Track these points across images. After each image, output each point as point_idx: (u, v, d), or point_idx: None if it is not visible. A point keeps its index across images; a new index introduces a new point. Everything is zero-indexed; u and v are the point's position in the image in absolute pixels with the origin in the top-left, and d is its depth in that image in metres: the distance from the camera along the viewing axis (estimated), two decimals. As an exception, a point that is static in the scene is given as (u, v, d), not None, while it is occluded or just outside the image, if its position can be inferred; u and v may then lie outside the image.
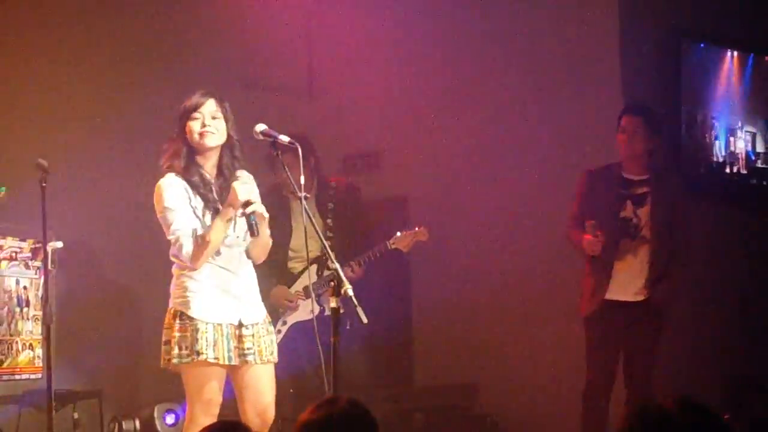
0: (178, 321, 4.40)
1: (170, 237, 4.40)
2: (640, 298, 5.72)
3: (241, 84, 7.26)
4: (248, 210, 4.35)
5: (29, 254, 5.96)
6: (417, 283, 7.45)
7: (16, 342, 5.87)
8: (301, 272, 5.92)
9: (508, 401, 6.86)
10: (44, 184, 4.60)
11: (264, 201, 5.94)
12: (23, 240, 5.90)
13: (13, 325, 5.89)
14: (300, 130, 5.56)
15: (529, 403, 6.79)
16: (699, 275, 6.50)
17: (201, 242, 4.35)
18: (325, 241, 4.44)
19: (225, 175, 4.48)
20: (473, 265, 7.07)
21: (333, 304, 4.11)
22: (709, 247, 6.78)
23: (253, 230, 4.35)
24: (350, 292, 4.09)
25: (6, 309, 5.90)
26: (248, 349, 4.45)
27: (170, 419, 6.21)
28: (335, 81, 7.71)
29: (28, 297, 5.94)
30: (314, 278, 5.79)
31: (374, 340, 6.07)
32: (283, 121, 4.71)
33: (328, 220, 5.97)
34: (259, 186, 6.22)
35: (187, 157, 4.45)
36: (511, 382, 6.88)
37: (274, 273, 5.91)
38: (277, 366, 5.87)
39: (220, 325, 4.41)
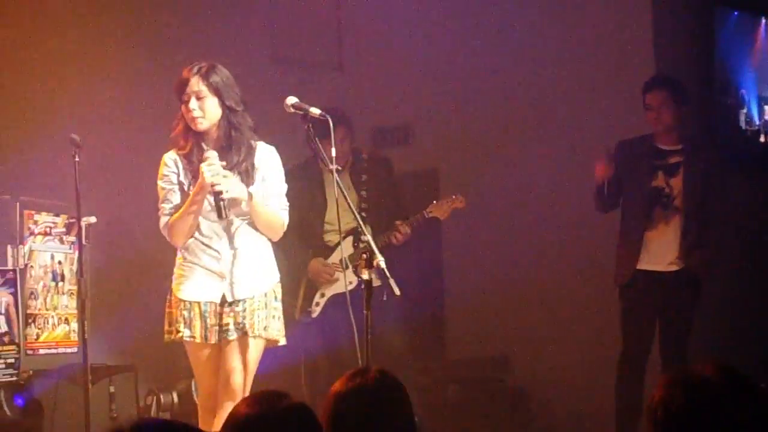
0: (169, 298, 4.47)
1: (159, 212, 4.46)
2: (675, 268, 5.66)
3: (272, 58, 7.26)
4: (217, 190, 4.26)
5: (63, 229, 5.94)
6: (449, 256, 7.43)
7: (52, 316, 5.86)
8: (337, 244, 5.86)
9: (540, 373, 6.84)
10: (77, 159, 4.57)
11: (299, 174, 6.07)
12: (57, 215, 5.87)
13: (48, 300, 5.89)
14: (332, 103, 5.52)
15: (561, 374, 6.76)
16: (734, 244, 6.43)
17: (173, 222, 4.37)
18: (357, 214, 4.43)
19: (226, 146, 4.39)
20: (505, 238, 7.04)
21: (365, 276, 4.14)
22: (744, 216, 6.70)
23: (220, 213, 4.28)
24: (382, 264, 4.11)
25: (42, 284, 5.90)
26: (227, 324, 4.37)
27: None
28: (366, 54, 7.68)
29: (63, 272, 5.93)
30: (350, 250, 5.75)
31: (408, 313, 6.04)
32: (315, 95, 4.67)
33: (362, 193, 5.93)
34: (294, 159, 6.27)
35: (186, 134, 4.42)
36: (543, 354, 6.85)
37: (310, 245, 5.95)
38: (313, 338, 5.98)
39: (198, 303, 4.39)
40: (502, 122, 7.14)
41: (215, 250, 4.41)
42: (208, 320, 4.38)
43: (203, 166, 4.27)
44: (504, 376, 6.95)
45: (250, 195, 4.37)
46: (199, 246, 4.42)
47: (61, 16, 6.26)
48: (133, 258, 6.30)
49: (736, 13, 7.04)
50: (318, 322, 5.92)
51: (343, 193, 4.41)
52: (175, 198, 4.41)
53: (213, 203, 4.32)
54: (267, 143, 4.55)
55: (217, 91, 4.36)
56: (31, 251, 5.83)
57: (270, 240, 4.56)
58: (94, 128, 5.64)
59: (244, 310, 4.39)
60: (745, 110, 7.12)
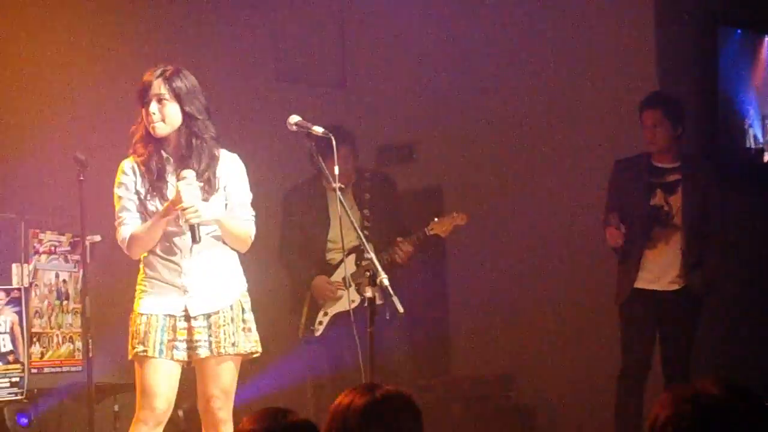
0: (131, 316, 4.28)
1: (115, 221, 4.26)
2: (675, 286, 5.66)
3: (276, 75, 7.26)
4: (189, 217, 4.09)
5: (68, 248, 5.98)
6: (453, 273, 7.42)
7: (57, 335, 5.90)
8: (340, 263, 5.88)
9: (545, 390, 6.84)
10: (82, 178, 4.58)
11: (302, 192, 6.07)
12: (62, 234, 5.93)
13: (53, 318, 5.92)
14: (335, 121, 5.54)
15: (566, 393, 6.76)
16: (735, 263, 6.44)
17: (136, 234, 4.19)
18: (361, 232, 4.42)
19: (183, 156, 4.19)
20: (509, 255, 7.04)
21: (368, 294, 4.13)
22: (748, 234, 6.71)
23: (195, 237, 4.12)
24: (386, 282, 4.08)
25: (46, 302, 5.93)
26: (198, 341, 4.18)
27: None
28: (369, 71, 7.71)
29: (67, 290, 5.96)
30: (353, 268, 5.74)
31: (411, 331, 6.05)
32: (318, 113, 4.68)
33: (365, 211, 5.94)
34: (297, 177, 6.28)
35: (146, 141, 4.22)
36: (547, 373, 6.85)
37: (313, 263, 5.95)
38: (318, 356, 5.96)
39: (156, 316, 4.19)
40: (506, 139, 7.15)
41: (176, 264, 4.23)
42: (165, 335, 4.18)
43: (181, 185, 4.10)
44: (509, 394, 6.93)
45: (218, 219, 4.22)
46: (160, 260, 4.24)
47: (67, 38, 6.30)
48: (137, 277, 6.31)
49: (739, 31, 7.06)
50: (322, 341, 5.92)
51: (346, 211, 4.38)
52: (132, 207, 4.22)
53: (183, 224, 4.17)
54: (234, 152, 4.40)
55: (178, 97, 4.18)
56: (36, 270, 5.87)
57: (238, 252, 4.38)
58: (98, 147, 5.65)
59: (209, 326, 4.20)
60: (749, 128, 7.13)
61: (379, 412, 2.62)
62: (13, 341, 5.65)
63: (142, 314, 4.21)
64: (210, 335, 4.19)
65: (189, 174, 4.13)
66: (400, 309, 4.12)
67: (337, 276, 5.91)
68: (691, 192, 5.68)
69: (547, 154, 6.94)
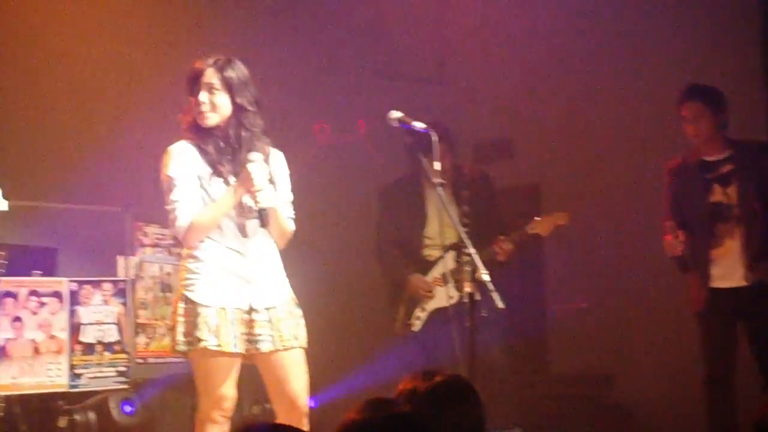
0: (182, 305, 4.04)
1: (167, 207, 4.05)
2: (746, 282, 5.41)
3: (374, 72, 7.29)
4: (261, 199, 4.00)
5: (172, 241, 6.09)
6: (551, 270, 7.38)
7: (161, 326, 6.03)
8: (438, 259, 5.88)
9: (644, 391, 6.75)
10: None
11: (399, 188, 6.08)
12: (166, 227, 6.02)
13: (157, 310, 6.05)
14: (433, 118, 5.55)
15: (665, 393, 6.67)
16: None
17: (198, 220, 4.00)
18: (461, 228, 4.40)
19: (235, 149, 4.05)
20: (607, 253, 6.98)
21: (468, 290, 4.13)
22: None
23: (263, 220, 4.03)
24: (486, 278, 4.05)
25: (151, 294, 6.07)
26: (260, 335, 4.03)
27: (310, 403, 6.29)
28: (466, 68, 7.71)
29: (170, 283, 6.09)
30: (452, 265, 5.71)
31: (509, 327, 6.02)
32: (416, 109, 4.68)
33: (464, 207, 5.90)
34: (392, 173, 6.30)
35: (194, 130, 4.08)
36: (647, 372, 6.77)
37: (410, 260, 5.96)
38: (415, 352, 5.97)
39: (225, 309, 4.01)
40: (605, 136, 7.09)
41: (239, 253, 4.07)
42: (237, 328, 4.02)
43: (251, 167, 3.97)
44: (608, 393, 6.88)
45: (272, 210, 4.11)
46: (221, 247, 4.06)
47: (165, 33, 6.43)
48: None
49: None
50: (418, 337, 5.93)
51: (446, 207, 4.39)
52: (192, 191, 4.02)
53: (246, 202, 4.05)
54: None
55: (229, 87, 4.05)
56: (141, 262, 5.99)
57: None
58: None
59: (270, 320, 4.07)
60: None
61: (440, 396, 2.62)
62: (120, 332, 5.79)
63: (207, 306, 4.01)
64: (271, 329, 4.07)
65: (257, 156, 4.02)
66: (500, 304, 4.08)
67: (435, 272, 5.92)
68: (747, 180, 5.47)
69: (649, 150, 6.85)
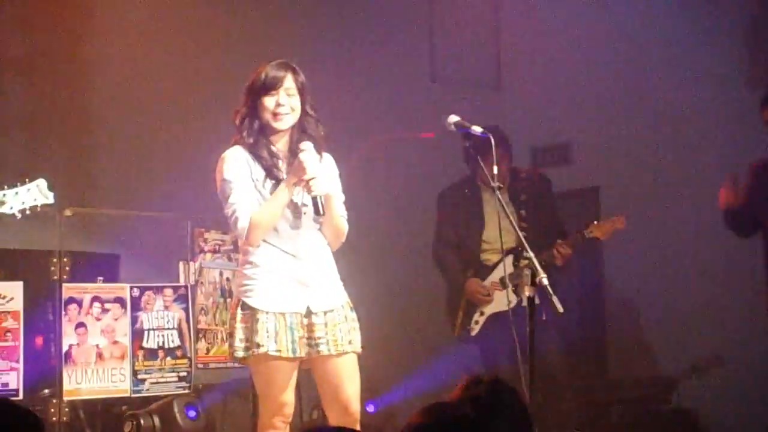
0: (239, 311, 4.05)
1: (227, 210, 4.06)
2: None
3: (431, 77, 7.28)
4: (314, 187, 3.97)
5: (231, 247, 6.13)
6: (610, 274, 7.33)
7: (221, 331, 6.08)
8: (497, 263, 5.87)
9: (707, 396, 6.69)
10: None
11: (456, 192, 6.10)
12: (225, 233, 6.08)
13: (218, 315, 6.09)
14: (489, 122, 5.55)
15: (728, 397, 6.60)
16: None
17: (256, 217, 4.00)
18: (519, 232, 4.40)
19: (293, 152, 4.08)
20: (667, 256, 6.93)
21: (528, 294, 4.06)
22: None
23: (318, 209, 4.00)
24: (545, 281, 4.01)
25: (211, 300, 6.10)
26: (320, 338, 4.03)
27: (370, 408, 6.36)
28: (524, 72, 7.70)
29: (231, 288, 6.10)
30: (510, 269, 5.70)
31: (569, 332, 6.01)
32: (473, 114, 4.68)
33: (522, 211, 5.92)
34: (448, 178, 6.31)
35: (257, 133, 4.09)
36: (710, 376, 6.70)
37: (467, 264, 5.96)
38: (473, 356, 5.97)
39: (283, 314, 4.02)
40: (663, 139, 7.04)
41: (294, 256, 4.07)
42: (295, 332, 4.02)
43: (303, 156, 3.98)
44: (669, 397, 6.82)
45: (332, 196, 4.12)
46: (277, 251, 4.06)
47: (225, 38, 6.47)
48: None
49: None
50: (477, 341, 5.93)
51: (505, 211, 4.36)
52: (249, 193, 4.04)
53: (299, 202, 4.06)
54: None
55: (302, 92, 4.12)
56: (201, 268, 6.04)
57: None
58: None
59: (326, 324, 4.07)
60: None
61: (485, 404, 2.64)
62: (181, 337, 5.84)
63: (265, 311, 4.02)
64: (327, 333, 4.06)
65: (308, 146, 4.04)
66: (560, 309, 4.03)
67: (494, 276, 5.91)
68: None
69: (707, 154, 6.80)
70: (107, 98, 6.30)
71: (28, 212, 4.31)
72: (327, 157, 4.22)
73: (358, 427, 4.12)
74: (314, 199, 4.01)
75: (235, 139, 4.13)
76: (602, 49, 7.29)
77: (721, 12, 6.82)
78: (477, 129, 4.35)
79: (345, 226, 4.20)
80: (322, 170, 4.10)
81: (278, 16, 6.81)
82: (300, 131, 4.12)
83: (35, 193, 4.29)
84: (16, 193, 4.26)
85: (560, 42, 7.45)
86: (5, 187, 4.28)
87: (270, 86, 4.06)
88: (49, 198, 4.33)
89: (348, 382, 4.09)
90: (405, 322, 7.07)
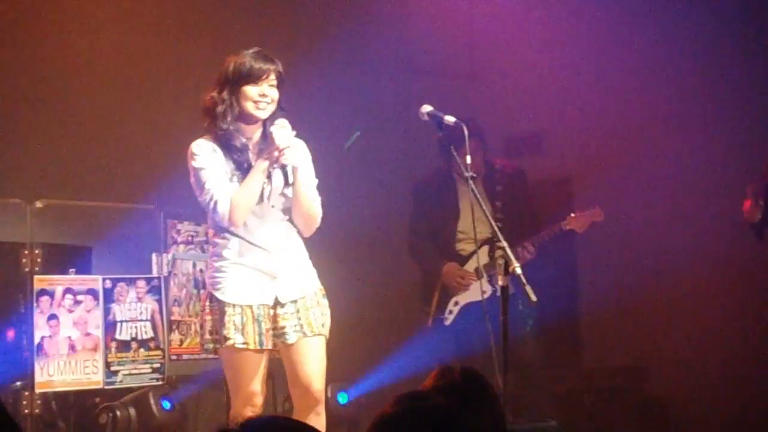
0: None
1: (204, 198, 4.09)
2: None
3: (404, 67, 7.27)
4: (285, 156, 4.01)
5: (204, 238, 6.07)
6: (584, 262, 7.35)
7: (194, 323, 6.05)
8: (471, 254, 5.87)
9: (679, 384, 6.73)
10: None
11: (431, 183, 6.07)
12: (198, 224, 6.05)
13: (191, 307, 6.07)
14: (463, 112, 5.55)
15: (700, 385, 6.64)
16: None
17: (236, 197, 4.02)
18: (493, 222, 4.40)
19: (267, 142, 4.11)
20: (641, 246, 6.94)
21: (501, 283, 4.10)
22: None
23: (288, 180, 4.06)
24: (519, 271, 4.04)
25: (184, 291, 6.07)
26: (285, 327, 4.08)
27: (342, 398, 6.37)
28: (496, 62, 7.67)
29: (204, 280, 6.08)
30: (485, 260, 5.68)
31: (543, 321, 6.02)
32: (446, 104, 4.67)
33: (497, 202, 5.92)
34: (424, 168, 6.30)
35: (233, 122, 4.11)
36: (682, 365, 6.73)
37: (443, 253, 5.96)
38: (446, 344, 5.97)
39: (251, 306, 4.07)
40: (638, 127, 7.04)
41: (263, 248, 4.11)
42: (262, 324, 4.08)
43: (274, 129, 4.04)
44: (641, 386, 6.86)
45: (301, 172, 4.12)
46: (245, 244, 4.11)
47: (190, 35, 6.45)
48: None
49: None
50: (451, 330, 5.92)
51: (479, 201, 4.36)
52: (224, 179, 4.07)
53: (266, 195, 4.08)
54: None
55: (280, 84, 4.15)
56: (174, 259, 6.02)
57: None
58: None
59: (298, 311, 4.12)
60: None
61: (459, 393, 2.66)
62: (154, 328, 5.81)
63: (232, 304, 4.07)
64: (299, 318, 4.11)
65: (282, 122, 4.08)
66: (533, 298, 4.06)
67: (469, 267, 5.90)
68: None
69: (679, 144, 6.82)
70: (79, 88, 6.25)
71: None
72: (298, 142, 4.21)
73: (321, 409, 4.16)
74: (284, 168, 4.05)
75: (207, 125, 4.13)
76: (576, 37, 7.27)
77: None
78: (450, 119, 4.35)
79: (317, 210, 4.20)
80: (295, 145, 4.12)
81: (240, 3, 6.75)
82: (272, 120, 4.12)
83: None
84: None
85: (533, 30, 7.42)
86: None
87: (256, 76, 4.08)
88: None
89: (312, 360, 4.11)
90: (378, 310, 7.07)
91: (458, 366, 2.83)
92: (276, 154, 4.04)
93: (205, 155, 4.09)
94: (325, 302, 4.22)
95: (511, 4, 7.50)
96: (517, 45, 7.51)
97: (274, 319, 4.10)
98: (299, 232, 4.24)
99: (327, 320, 4.19)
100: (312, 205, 4.18)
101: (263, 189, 4.09)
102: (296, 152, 4.09)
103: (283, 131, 4.06)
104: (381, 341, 6.73)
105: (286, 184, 4.09)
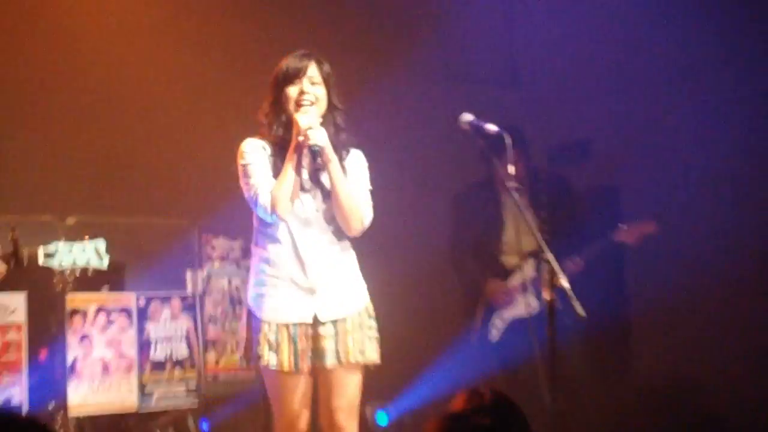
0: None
1: (249, 192, 3.96)
2: None
3: (443, 74, 7.22)
4: (310, 137, 3.85)
5: (240, 253, 6.07)
6: (633, 272, 7.16)
7: (231, 341, 5.99)
8: (517, 266, 5.81)
9: (735, 399, 6.57)
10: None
11: (473, 194, 6.02)
12: (234, 239, 6.01)
13: (227, 325, 6.01)
14: (506, 121, 5.45)
15: (759, 400, 6.48)
16: None
17: (274, 189, 3.89)
18: (539, 234, 4.29)
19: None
20: (693, 258, 6.78)
21: (548, 297, 4.02)
22: None
23: (315, 156, 3.91)
24: (566, 285, 3.95)
25: (220, 309, 6.03)
26: (326, 349, 3.92)
27: (382, 420, 6.26)
28: (538, 68, 7.54)
29: (240, 297, 6.04)
30: (531, 273, 5.65)
31: (591, 335, 5.88)
32: (488, 112, 4.55)
33: (542, 213, 5.81)
34: (464, 178, 6.20)
35: (283, 128, 3.98)
36: (739, 381, 6.58)
37: (487, 267, 5.89)
38: (491, 361, 5.88)
39: (287, 325, 3.92)
40: (690, 135, 6.89)
41: (302, 261, 3.95)
42: (298, 345, 3.91)
43: (297, 115, 3.90)
44: (693, 401, 6.72)
45: (337, 167, 3.94)
46: (283, 254, 3.96)
47: (226, 46, 6.40)
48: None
49: None
50: (495, 345, 5.86)
51: (523, 212, 4.28)
52: (269, 175, 3.95)
53: (307, 203, 3.97)
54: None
55: (327, 83, 4.02)
56: (209, 276, 5.97)
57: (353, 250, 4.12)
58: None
59: (337, 333, 3.94)
60: None
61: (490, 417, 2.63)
62: (189, 348, 5.77)
63: (266, 322, 3.94)
64: (337, 342, 3.94)
65: (306, 108, 3.95)
66: (581, 312, 3.97)
67: (515, 280, 5.84)
68: None
69: (735, 151, 6.66)
70: (107, 99, 6.20)
71: (77, 274, 4.18)
72: (354, 151, 4.11)
73: None
74: (311, 147, 3.89)
75: (261, 133, 4.04)
76: (620, 44, 7.12)
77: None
78: (492, 127, 4.24)
79: (361, 208, 4.02)
80: (351, 165, 4.03)
81: (280, 11, 6.71)
82: (330, 125, 4.00)
83: (90, 254, 4.15)
84: (71, 249, 4.12)
85: (576, 33, 7.27)
86: (62, 238, 4.15)
87: (293, 75, 3.98)
88: (104, 263, 4.19)
89: (342, 393, 3.98)
90: (418, 323, 6.93)
91: (488, 388, 2.74)
92: (301, 139, 3.89)
93: (253, 152, 3.99)
94: (371, 324, 4.06)
95: (552, 6, 7.39)
96: (559, 48, 7.37)
97: (315, 339, 3.93)
98: (350, 244, 4.09)
99: (370, 346, 4.02)
100: (353, 202, 3.99)
101: (301, 179, 3.94)
102: (320, 133, 3.92)
103: (304, 116, 3.91)
104: (422, 356, 6.61)
105: (314, 159, 3.94)
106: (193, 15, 6.51)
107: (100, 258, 4.14)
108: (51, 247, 4.08)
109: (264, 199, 3.91)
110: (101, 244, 4.15)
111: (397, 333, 6.24)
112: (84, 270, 4.15)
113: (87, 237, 4.15)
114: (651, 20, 7.00)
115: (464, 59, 7.43)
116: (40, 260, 4.08)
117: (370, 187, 4.13)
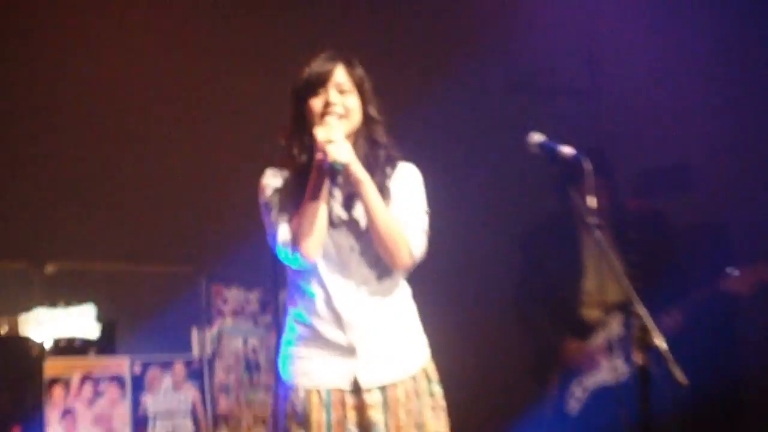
0: (275, 385, 4.00)
1: (268, 234, 3.91)
2: None
3: (511, 87, 7.36)
4: (329, 151, 3.71)
5: (257, 307, 6.13)
6: (748, 333, 7.15)
7: (247, 416, 6.00)
8: (600, 322, 5.79)
9: None
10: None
11: (545, 230, 6.03)
12: (250, 290, 6.07)
13: (242, 395, 6.00)
14: (585, 142, 5.44)
15: None
16: None
17: (294, 224, 3.82)
18: (627, 282, 4.20)
19: (363, 165, 3.87)
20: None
21: (640, 361, 3.94)
22: None
23: (334, 176, 3.77)
24: (662, 344, 3.87)
25: (233, 376, 6.07)
26: (375, 423, 3.85)
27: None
28: (625, 81, 7.57)
29: (258, 360, 6.07)
30: (618, 330, 5.66)
31: (695, 407, 5.79)
32: (563, 131, 4.48)
33: (631, 256, 5.71)
34: (539, 211, 6.18)
35: (308, 153, 3.87)
36: None
37: (563, 321, 5.87)
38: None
39: (318, 391, 3.87)
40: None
41: (337, 313, 3.88)
42: (332, 414, 3.85)
43: (315, 129, 3.78)
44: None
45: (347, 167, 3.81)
46: (315, 307, 3.91)
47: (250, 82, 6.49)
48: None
49: None
50: (575, 420, 5.84)
51: (608, 255, 4.18)
52: (291, 209, 3.88)
53: (341, 240, 3.90)
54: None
55: (360, 89, 3.94)
56: (220, 335, 5.97)
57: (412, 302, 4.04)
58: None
59: (384, 402, 3.87)
60: None
61: None
62: (196, 424, 5.81)
63: (293, 386, 3.91)
64: (386, 413, 3.87)
65: (330, 118, 3.85)
66: (682, 380, 3.84)
67: (597, 339, 5.83)
68: None
69: None
70: (103, 128, 6.27)
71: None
72: (405, 165, 4.01)
73: None
74: (332, 165, 3.73)
75: (283, 160, 3.96)
76: (732, 43, 7.15)
77: None
78: (567, 150, 4.14)
79: (403, 235, 3.88)
80: (399, 179, 3.93)
81: (322, 15, 6.88)
82: (366, 140, 3.94)
83: (76, 323, 4.15)
84: (53, 317, 4.13)
85: (673, 43, 7.34)
86: (39, 295, 4.16)
87: (316, 83, 3.87)
88: (94, 333, 4.18)
89: None
90: (478, 391, 6.95)
91: None
92: (320, 157, 3.75)
93: (270, 186, 3.94)
94: (435, 389, 4.00)
95: (641, 10, 7.46)
96: (651, 60, 7.43)
97: (359, 409, 3.86)
98: (403, 285, 4.00)
99: (432, 418, 3.95)
100: (392, 229, 3.83)
101: (330, 210, 3.86)
102: (343, 147, 3.76)
103: (323, 129, 3.78)
104: (485, 427, 6.56)
105: (333, 179, 3.83)
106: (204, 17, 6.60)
107: (89, 328, 4.17)
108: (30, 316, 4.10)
109: (283, 237, 3.83)
110: (90, 310, 4.18)
111: (450, 400, 6.24)
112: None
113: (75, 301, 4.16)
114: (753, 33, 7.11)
115: (533, 65, 7.58)
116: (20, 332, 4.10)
117: (427, 209, 4.03)
